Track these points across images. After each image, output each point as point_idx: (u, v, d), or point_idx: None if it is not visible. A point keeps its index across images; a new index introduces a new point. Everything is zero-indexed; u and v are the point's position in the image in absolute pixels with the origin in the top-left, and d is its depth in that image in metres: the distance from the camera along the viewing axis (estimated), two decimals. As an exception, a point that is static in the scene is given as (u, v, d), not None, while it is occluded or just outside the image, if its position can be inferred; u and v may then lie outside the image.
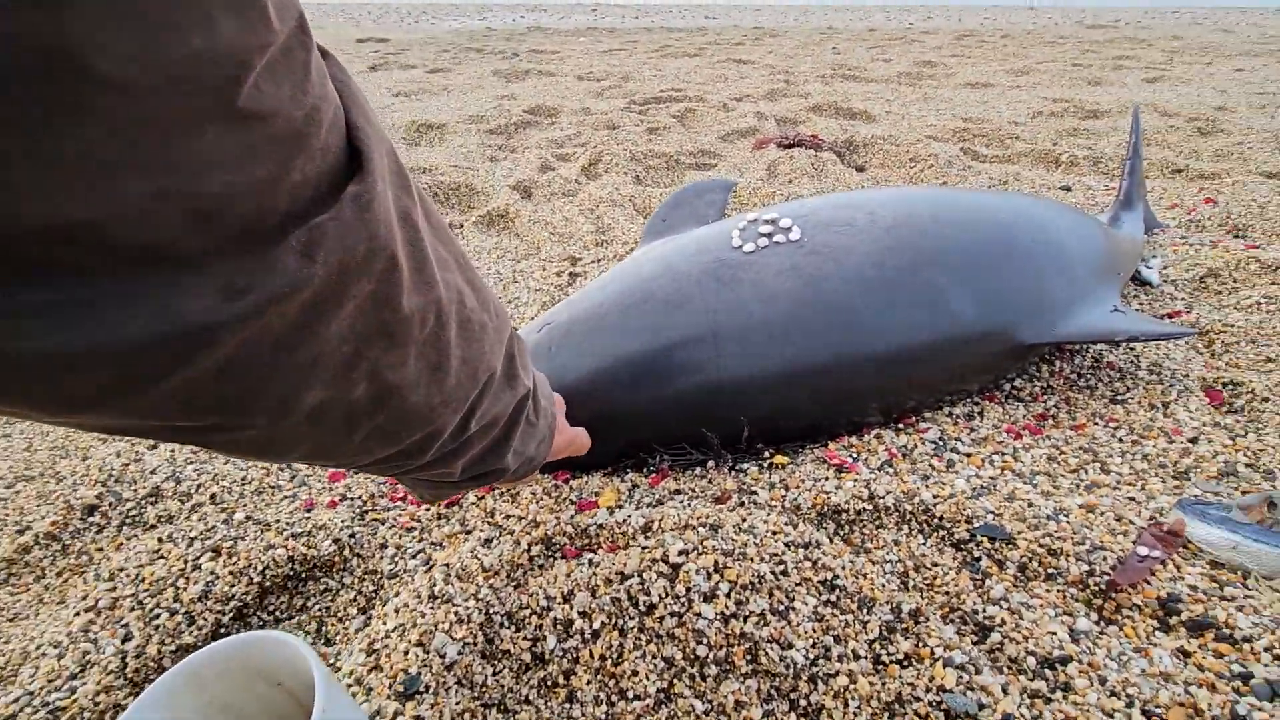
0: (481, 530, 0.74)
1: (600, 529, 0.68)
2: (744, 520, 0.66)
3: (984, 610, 0.62)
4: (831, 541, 0.66)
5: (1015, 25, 6.65)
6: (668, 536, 0.64)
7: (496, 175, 1.95)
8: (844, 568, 0.62)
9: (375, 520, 0.76)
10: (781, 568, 0.60)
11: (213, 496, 0.77)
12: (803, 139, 2.08)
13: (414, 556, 0.71)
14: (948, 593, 0.65)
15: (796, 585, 0.60)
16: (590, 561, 0.64)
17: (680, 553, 0.61)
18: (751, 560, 0.60)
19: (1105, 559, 0.63)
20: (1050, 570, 0.64)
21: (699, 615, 0.58)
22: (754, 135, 2.33)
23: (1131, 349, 1.05)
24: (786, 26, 6.89)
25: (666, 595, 0.59)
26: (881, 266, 0.85)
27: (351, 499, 0.80)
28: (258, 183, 0.23)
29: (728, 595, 0.58)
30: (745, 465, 0.82)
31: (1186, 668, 0.54)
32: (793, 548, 0.62)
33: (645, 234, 1.07)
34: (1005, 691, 0.52)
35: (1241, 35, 5.21)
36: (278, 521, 0.71)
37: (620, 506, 0.75)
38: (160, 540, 0.68)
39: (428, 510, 0.79)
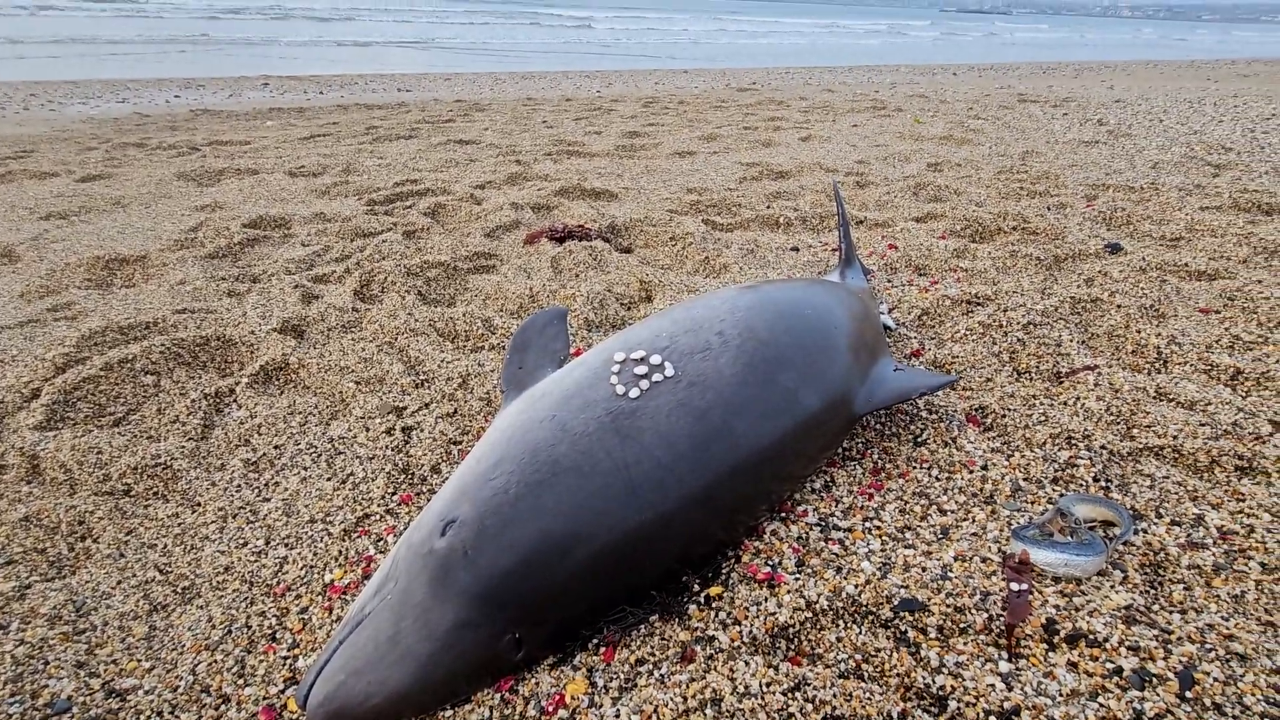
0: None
1: (600, 746, 0.64)
2: (734, 680, 0.68)
3: (934, 682, 0.72)
4: (816, 669, 0.71)
5: (682, 89, 7.72)
6: (679, 730, 0.63)
7: (250, 316, 1.68)
8: (835, 695, 0.67)
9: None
10: (792, 720, 0.64)
11: None
12: (571, 230, 2.18)
13: None
14: (899, 674, 0.75)
15: (809, 732, 0.63)
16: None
17: (705, 747, 0.60)
18: (768, 726, 0.62)
19: (995, 602, 0.79)
20: (962, 625, 0.78)
21: (747, 807, 0.58)
22: (519, 229, 2.36)
23: (907, 393, 1.31)
24: (488, 97, 7.08)
25: (712, 801, 0.58)
26: (747, 384, 0.95)
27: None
28: None
29: (762, 772, 0.60)
30: (685, 605, 0.84)
31: (1080, 678, 0.70)
32: (791, 695, 0.66)
33: (506, 384, 1.03)
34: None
35: (841, 94, 6.81)
36: None
37: (595, 703, 0.71)
38: None
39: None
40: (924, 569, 0.85)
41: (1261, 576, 0.82)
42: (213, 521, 1.03)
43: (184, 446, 1.19)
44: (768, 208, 2.59)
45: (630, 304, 1.77)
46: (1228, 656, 0.71)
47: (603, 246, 2.07)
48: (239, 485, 1.11)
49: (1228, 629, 0.75)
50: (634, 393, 0.89)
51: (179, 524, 1.03)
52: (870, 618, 0.81)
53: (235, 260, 2.17)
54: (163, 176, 3.38)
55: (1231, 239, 2.05)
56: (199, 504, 1.07)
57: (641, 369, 0.92)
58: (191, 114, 5.80)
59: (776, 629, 0.79)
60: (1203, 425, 1.13)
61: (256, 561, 0.95)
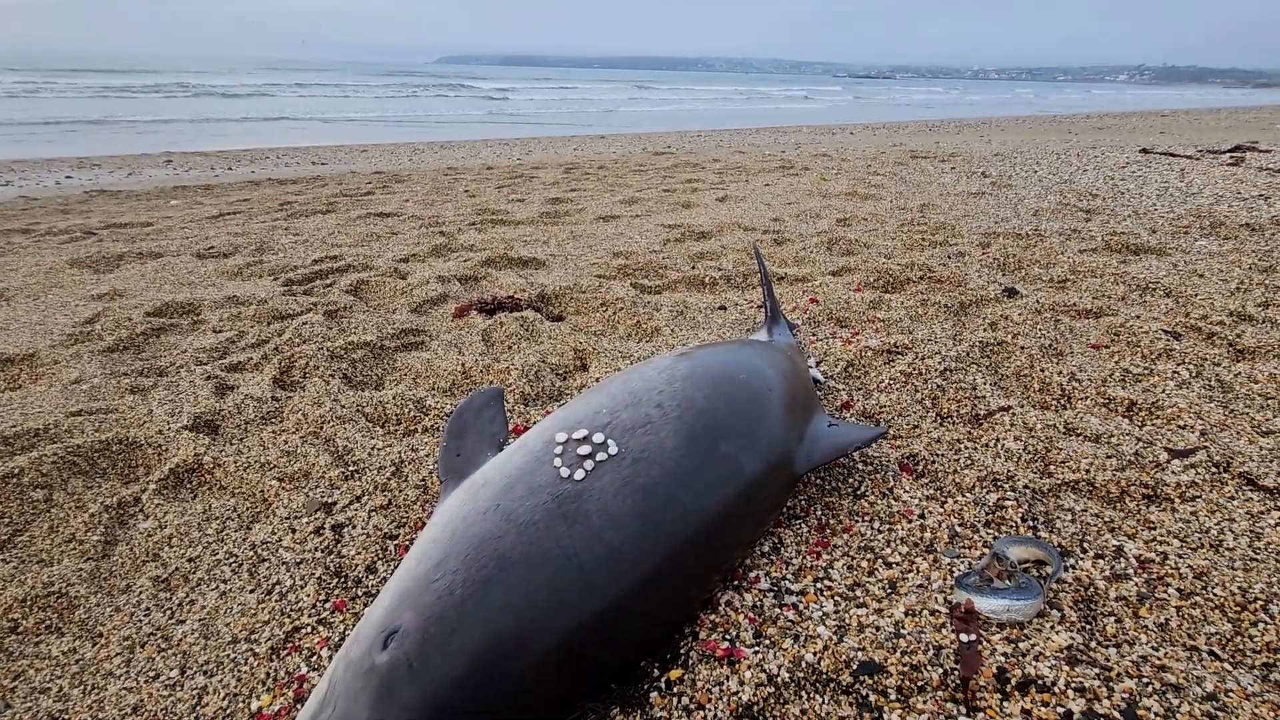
0: None
1: None
2: (704, 775, 0.65)
3: (901, 748, 0.72)
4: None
5: (601, 155, 7.96)
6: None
7: (156, 414, 1.57)
8: (806, 777, 0.66)
9: None
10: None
11: None
12: (501, 301, 2.17)
13: None
14: (866, 743, 0.74)
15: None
16: None
17: None
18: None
19: (948, 655, 0.80)
20: (919, 683, 0.79)
21: None
22: (447, 302, 2.33)
23: (842, 446, 1.34)
24: (407, 168, 7.07)
25: None
26: (690, 455, 0.95)
27: None
28: None
29: None
30: (647, 693, 0.81)
31: (1036, 725, 0.72)
32: (763, 783, 0.64)
33: (444, 473, 0.99)
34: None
35: (751, 155, 7.22)
36: None
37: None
38: None
39: None
40: (877, 628, 0.86)
41: (1180, 603, 0.87)
42: (117, 654, 0.92)
43: (81, 569, 1.07)
44: (693, 268, 2.68)
45: (566, 374, 1.76)
46: (1163, 689, 0.74)
47: (534, 316, 2.06)
48: (147, 608, 1.00)
49: (1160, 659, 0.78)
50: (579, 474, 0.88)
51: (77, 661, 0.92)
52: (831, 685, 0.80)
53: (138, 353, 2.04)
54: (53, 265, 3.16)
55: (1109, 278, 2.26)
56: (100, 635, 0.96)
57: (585, 449, 0.91)
58: (86, 195, 5.50)
59: (741, 709, 0.77)
60: (1110, 457, 1.21)
61: (170, 696, 0.85)
